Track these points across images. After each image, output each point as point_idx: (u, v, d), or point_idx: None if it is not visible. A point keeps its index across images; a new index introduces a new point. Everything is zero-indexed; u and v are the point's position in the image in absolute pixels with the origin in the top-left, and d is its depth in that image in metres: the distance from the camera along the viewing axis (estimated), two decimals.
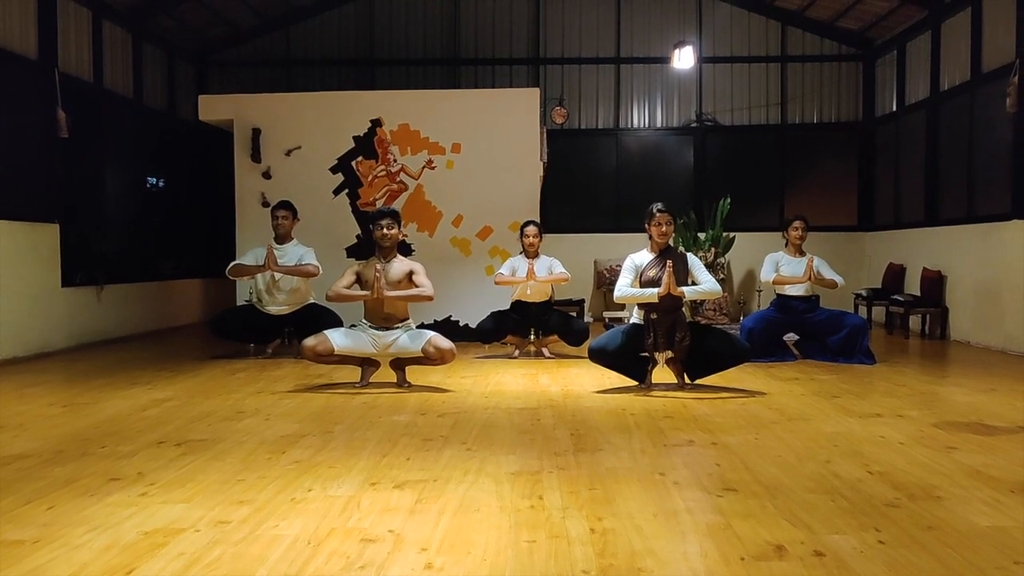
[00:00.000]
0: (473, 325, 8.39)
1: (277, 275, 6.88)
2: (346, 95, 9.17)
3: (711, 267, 10.77)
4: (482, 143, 8.53)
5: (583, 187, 10.64)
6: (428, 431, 4.25)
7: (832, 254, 8.60)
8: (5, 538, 2.65)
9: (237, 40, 11.65)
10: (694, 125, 11.45)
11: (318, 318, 6.72)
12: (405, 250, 5.66)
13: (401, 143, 8.65)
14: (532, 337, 7.37)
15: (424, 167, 8.62)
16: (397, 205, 8.26)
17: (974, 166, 8.67)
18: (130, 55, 9.80)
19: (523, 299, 7.13)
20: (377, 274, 5.37)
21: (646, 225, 5.44)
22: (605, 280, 11.12)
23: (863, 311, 10.10)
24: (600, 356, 5.47)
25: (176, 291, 10.51)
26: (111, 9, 9.27)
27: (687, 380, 5.54)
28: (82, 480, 3.31)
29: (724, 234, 10.86)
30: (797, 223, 7.04)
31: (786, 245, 7.10)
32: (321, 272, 6.93)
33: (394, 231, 5.52)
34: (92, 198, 8.92)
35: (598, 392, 5.47)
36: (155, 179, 10.46)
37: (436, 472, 3.44)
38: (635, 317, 5.46)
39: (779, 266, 7.00)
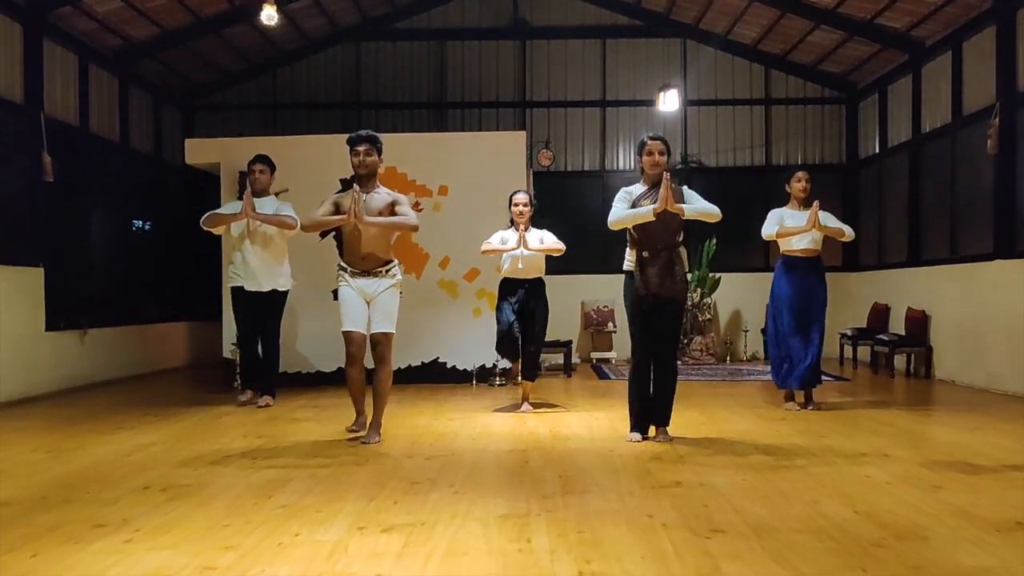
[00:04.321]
0: (460, 367, 8.49)
1: (253, 225, 6.68)
2: (332, 138, 9.16)
3: (697, 308, 10.85)
4: (469, 186, 8.58)
5: (570, 228, 10.64)
6: (415, 474, 4.23)
7: None
8: None
9: (224, 84, 11.75)
10: (679, 167, 11.57)
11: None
12: None
13: (388, 185, 8.55)
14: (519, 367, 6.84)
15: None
16: None
17: (956, 207, 8.79)
18: (116, 99, 9.86)
19: (514, 276, 6.50)
20: (356, 196, 4.92)
21: (638, 157, 5.21)
22: (592, 321, 11.15)
23: (848, 350, 10.19)
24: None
25: (161, 334, 10.45)
26: (98, 54, 9.35)
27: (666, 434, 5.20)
28: (66, 527, 3.28)
29: (710, 275, 10.95)
30: (800, 174, 6.47)
31: (789, 201, 6.53)
32: (299, 227, 6.48)
33: (372, 158, 5.09)
34: (77, 242, 8.92)
35: (586, 434, 5.46)
36: (141, 222, 10.47)
37: (424, 516, 3.42)
38: (627, 263, 5.16)
39: (783, 220, 6.40)
